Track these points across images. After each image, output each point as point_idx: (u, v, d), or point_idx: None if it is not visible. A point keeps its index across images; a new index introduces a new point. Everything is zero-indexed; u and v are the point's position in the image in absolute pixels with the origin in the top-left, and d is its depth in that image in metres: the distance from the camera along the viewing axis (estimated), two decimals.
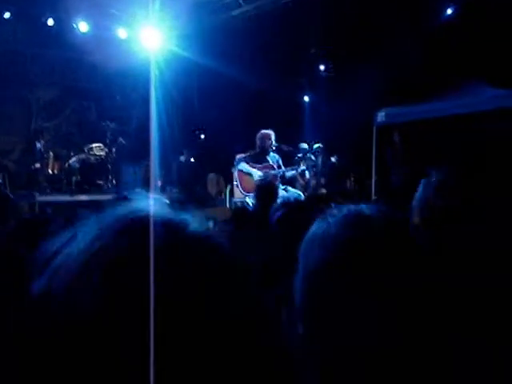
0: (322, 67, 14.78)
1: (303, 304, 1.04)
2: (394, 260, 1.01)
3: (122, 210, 0.71)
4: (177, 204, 10.48)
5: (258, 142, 9.06)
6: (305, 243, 1.10)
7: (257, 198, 6.12)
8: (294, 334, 1.05)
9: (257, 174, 8.78)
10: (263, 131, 9.07)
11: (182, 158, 14.56)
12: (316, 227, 1.09)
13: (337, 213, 1.10)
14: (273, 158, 9.04)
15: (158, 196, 11.50)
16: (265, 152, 9.01)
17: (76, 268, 0.64)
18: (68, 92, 16.04)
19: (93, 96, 16.36)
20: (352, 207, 1.11)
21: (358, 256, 1.01)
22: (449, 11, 12.44)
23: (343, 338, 0.99)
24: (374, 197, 10.59)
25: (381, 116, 12.51)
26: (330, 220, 1.08)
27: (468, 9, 11.59)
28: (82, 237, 0.68)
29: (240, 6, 13.94)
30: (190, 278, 0.64)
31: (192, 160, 15.51)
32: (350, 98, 12.76)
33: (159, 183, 13.87)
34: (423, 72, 11.95)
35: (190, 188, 14.00)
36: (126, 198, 6.31)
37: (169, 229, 0.67)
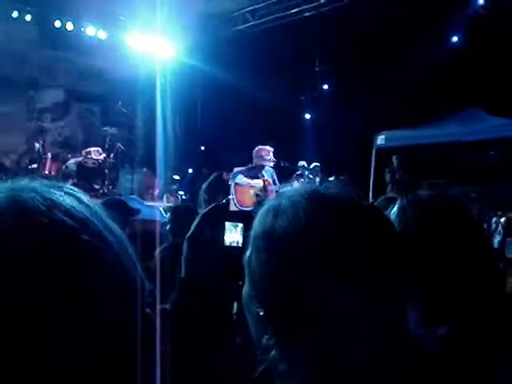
0: (325, 86, 14.81)
1: (266, 292, 1.00)
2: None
3: None
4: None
5: (254, 157, 9.04)
6: (255, 224, 1.06)
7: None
8: (255, 316, 1.02)
9: (258, 184, 8.77)
10: (260, 147, 9.06)
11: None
12: (265, 215, 1.05)
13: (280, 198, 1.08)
14: (268, 172, 9.03)
15: (152, 203, 11.52)
16: (261, 167, 8.99)
17: None
18: (73, 95, 16.06)
19: (98, 100, 16.39)
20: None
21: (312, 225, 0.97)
22: (454, 39, 12.48)
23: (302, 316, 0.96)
24: None
25: (380, 139, 12.56)
26: (280, 201, 1.05)
27: (472, 38, 11.62)
28: None
29: (247, 20, 14.01)
30: None
31: (191, 171, 15.52)
32: (350, 119, 12.78)
33: (156, 192, 13.83)
34: (425, 97, 11.98)
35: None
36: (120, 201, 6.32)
37: None
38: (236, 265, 1.26)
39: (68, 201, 0.69)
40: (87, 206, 0.71)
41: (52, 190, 0.70)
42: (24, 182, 0.71)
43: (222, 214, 1.48)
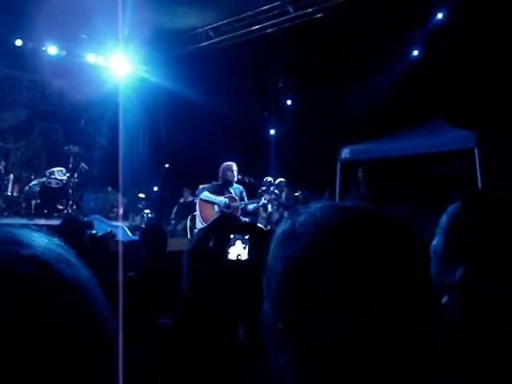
0: (288, 101, 14.88)
1: (283, 300, 0.96)
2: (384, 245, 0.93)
3: None
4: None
5: (220, 174, 9.01)
6: (276, 241, 1.01)
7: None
8: (271, 330, 0.98)
9: (222, 201, 8.74)
10: (226, 163, 9.04)
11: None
12: (286, 224, 1.01)
13: (304, 210, 1.02)
14: (236, 189, 9.00)
15: (117, 223, 11.42)
16: (228, 184, 8.97)
17: None
18: (35, 114, 15.86)
19: (60, 119, 16.21)
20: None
21: (346, 240, 0.92)
22: (415, 52, 12.67)
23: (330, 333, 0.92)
24: None
25: (345, 152, 12.64)
26: (306, 212, 1.00)
27: (433, 51, 11.80)
28: None
29: (210, 37, 14.04)
30: None
31: (156, 189, 15.45)
32: (315, 133, 12.87)
33: (121, 211, 13.72)
34: (388, 111, 12.11)
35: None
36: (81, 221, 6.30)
37: None
38: (241, 280, 1.21)
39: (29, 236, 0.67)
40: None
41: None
42: None
43: (228, 226, 1.41)
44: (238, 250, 1.35)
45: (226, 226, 1.37)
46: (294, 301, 0.94)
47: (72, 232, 5.11)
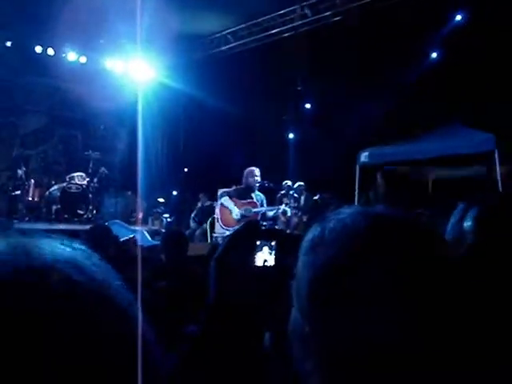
0: (307, 105, 14.84)
1: (312, 305, 0.95)
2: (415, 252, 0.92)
3: None
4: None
5: (244, 178, 8.94)
6: (305, 248, 1.00)
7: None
8: (299, 334, 0.98)
9: (236, 210, 8.65)
10: (249, 168, 8.94)
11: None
12: (315, 230, 1.00)
13: (334, 216, 1.01)
14: (257, 196, 8.90)
15: (137, 228, 11.45)
16: (250, 189, 8.85)
17: None
18: (55, 120, 15.98)
19: (79, 125, 16.32)
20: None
21: (378, 247, 0.92)
22: (434, 55, 12.60)
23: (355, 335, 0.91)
24: None
25: (364, 156, 12.57)
26: (336, 218, 0.99)
27: (452, 53, 11.74)
28: None
29: (228, 42, 14.08)
30: None
31: (175, 193, 15.49)
32: (334, 137, 12.83)
33: (141, 215, 13.78)
34: (407, 114, 12.05)
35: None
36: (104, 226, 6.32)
37: None
38: (268, 286, 1.21)
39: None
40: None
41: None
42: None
43: (254, 232, 1.39)
44: (264, 256, 1.34)
45: (251, 232, 1.36)
46: (322, 306, 0.94)
47: (100, 239, 5.14)
